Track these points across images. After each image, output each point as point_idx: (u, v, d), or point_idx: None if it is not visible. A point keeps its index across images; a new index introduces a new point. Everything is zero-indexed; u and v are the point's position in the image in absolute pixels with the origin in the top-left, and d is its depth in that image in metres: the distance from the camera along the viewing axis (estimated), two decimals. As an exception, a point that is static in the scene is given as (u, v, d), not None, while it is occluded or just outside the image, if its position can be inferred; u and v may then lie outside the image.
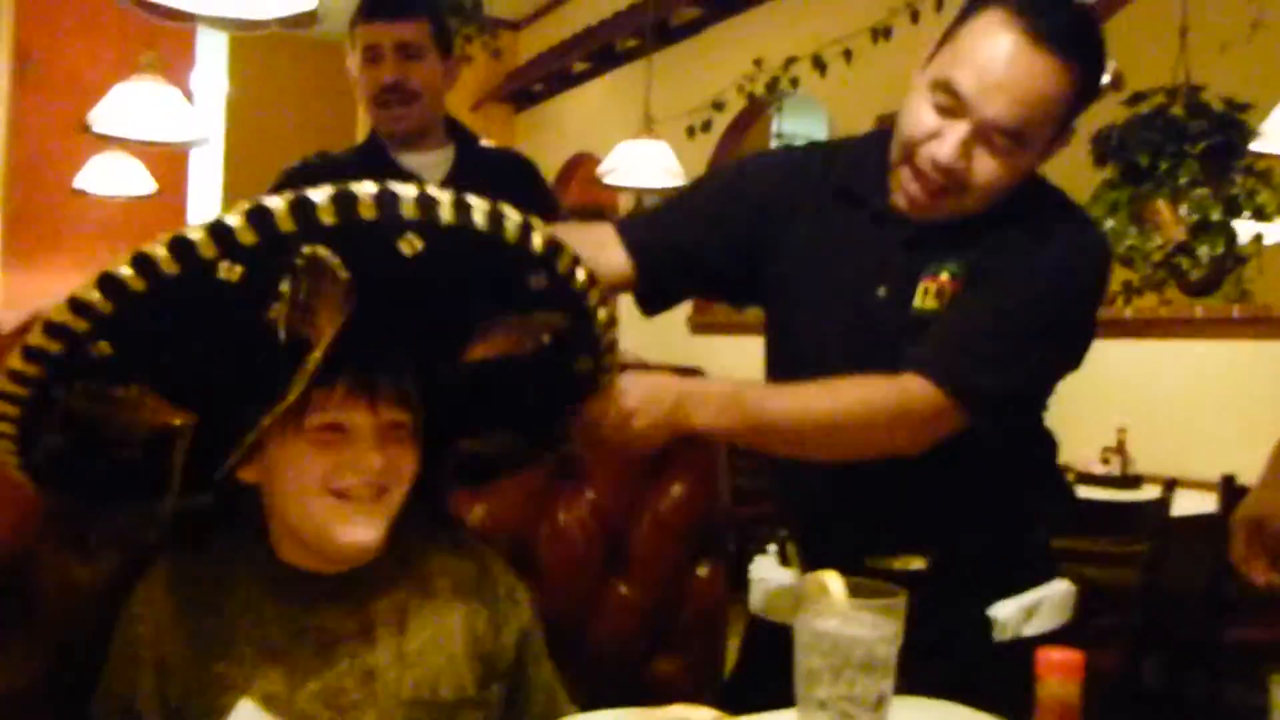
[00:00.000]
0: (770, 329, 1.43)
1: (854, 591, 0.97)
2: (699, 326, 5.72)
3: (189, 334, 0.89)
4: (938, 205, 1.20)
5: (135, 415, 0.92)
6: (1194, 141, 3.74)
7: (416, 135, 2.03)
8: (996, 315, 1.20)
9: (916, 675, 1.04)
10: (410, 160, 2.03)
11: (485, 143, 2.22)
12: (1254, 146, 3.67)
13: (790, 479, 1.42)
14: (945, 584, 1.29)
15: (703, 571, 1.51)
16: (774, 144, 6.33)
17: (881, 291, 1.26)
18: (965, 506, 1.31)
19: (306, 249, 0.83)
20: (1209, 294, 3.95)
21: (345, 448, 0.98)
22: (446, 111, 2.18)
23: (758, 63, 5.20)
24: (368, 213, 0.82)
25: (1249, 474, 2.79)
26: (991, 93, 1.13)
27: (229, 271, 0.82)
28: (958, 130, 1.15)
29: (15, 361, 0.83)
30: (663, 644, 1.47)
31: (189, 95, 5.42)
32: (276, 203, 0.80)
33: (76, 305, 0.80)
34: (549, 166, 7.07)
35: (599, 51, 6.55)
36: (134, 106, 3.92)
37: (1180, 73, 4.16)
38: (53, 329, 0.81)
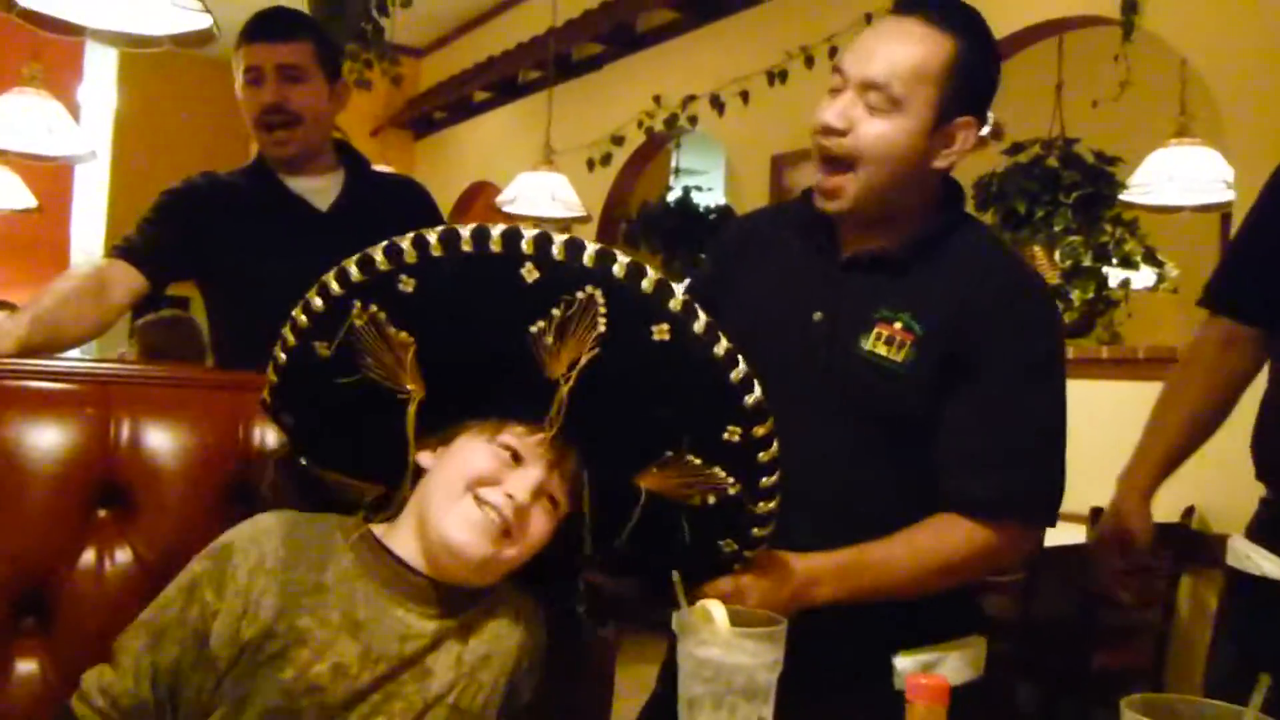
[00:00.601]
0: None
1: (736, 620, 1.00)
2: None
3: (475, 309, 0.99)
4: (843, 193, 1.26)
5: (389, 362, 1.03)
6: (1068, 191, 3.93)
7: (303, 159, 2.00)
8: (1013, 420, 1.26)
9: (818, 708, 1.06)
10: (298, 184, 2.01)
11: (380, 168, 2.21)
12: (1122, 198, 3.87)
13: None
14: (853, 623, 1.26)
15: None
16: (672, 179, 6.41)
17: (817, 316, 1.31)
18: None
19: (590, 288, 0.94)
20: (1082, 336, 4.13)
21: (509, 471, 1.06)
22: (339, 135, 2.16)
23: (657, 99, 5.29)
24: (649, 287, 0.93)
25: (1115, 507, 2.92)
26: (864, 56, 1.24)
27: (530, 273, 0.94)
28: (841, 96, 1.26)
29: (349, 262, 0.98)
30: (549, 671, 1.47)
31: (75, 110, 5.26)
32: (589, 243, 0.93)
33: (419, 240, 0.96)
34: (448, 194, 7.04)
35: (500, 82, 6.57)
36: (15, 119, 3.80)
37: (1056, 126, 4.37)
38: (389, 251, 0.97)
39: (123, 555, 1.21)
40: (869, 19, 4.10)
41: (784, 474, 1.04)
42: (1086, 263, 3.91)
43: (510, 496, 1.05)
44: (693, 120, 5.10)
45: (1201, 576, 3.13)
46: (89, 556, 1.20)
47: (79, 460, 1.20)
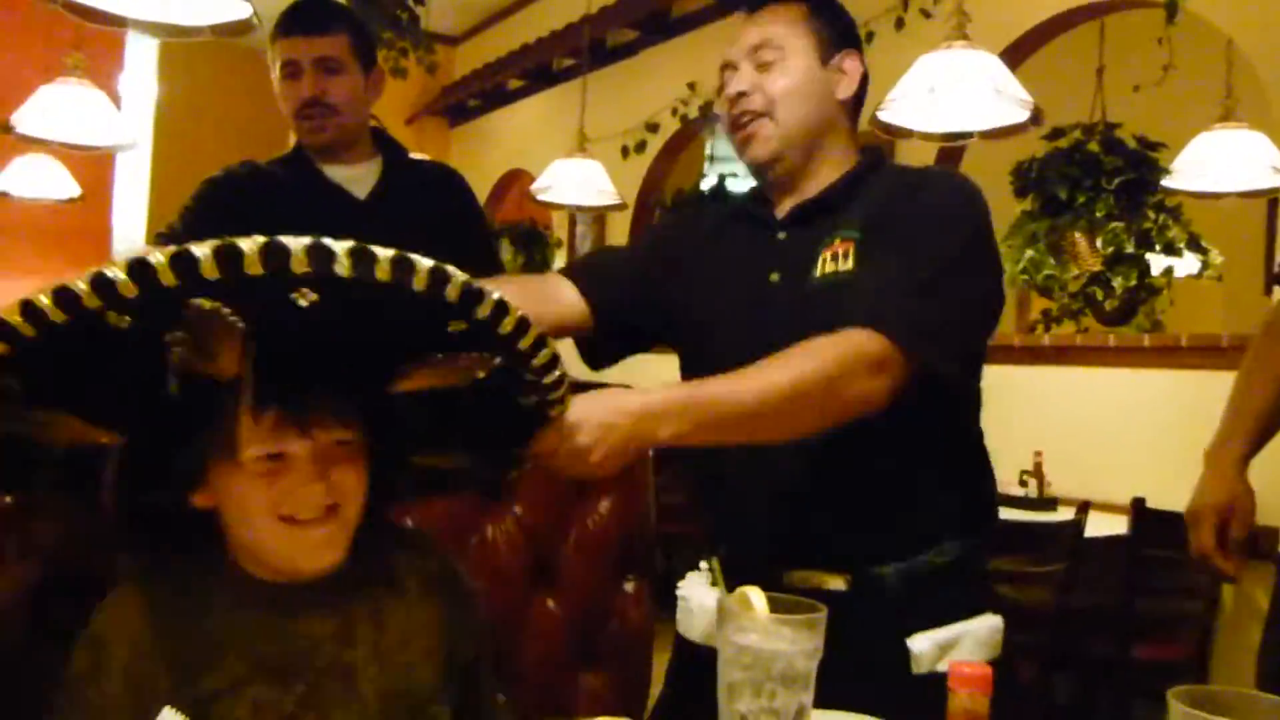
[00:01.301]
0: (682, 354, 1.48)
1: (775, 607, 1.00)
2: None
3: (98, 370, 0.88)
4: (762, 135, 1.39)
5: (60, 435, 0.92)
6: (1110, 177, 3.87)
7: (340, 148, 2.02)
8: (910, 258, 1.27)
9: (836, 695, 1.06)
10: (336, 173, 2.02)
11: (415, 155, 2.22)
12: (1165, 183, 3.81)
13: (715, 490, 1.44)
14: (866, 607, 1.29)
15: (629, 587, 1.53)
16: (708, 166, 6.40)
17: (774, 277, 1.37)
18: (888, 524, 1.33)
19: (193, 301, 0.82)
20: (1123, 324, 4.08)
21: (287, 474, 0.97)
22: (375, 123, 2.17)
23: (692, 86, 5.27)
24: (253, 269, 0.80)
25: (1157, 497, 2.89)
26: (740, 38, 1.43)
27: (119, 320, 0.81)
28: (739, 72, 1.41)
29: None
30: (589, 659, 1.48)
31: (116, 99, 5.32)
32: (157, 258, 0.79)
33: None
34: (483, 182, 7.06)
35: (535, 69, 6.57)
36: (58, 109, 3.85)
37: (1097, 111, 4.31)
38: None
39: None
40: (904, 3, 4.08)
41: (539, 334, 0.96)
42: (1129, 249, 3.85)
43: (307, 500, 0.98)
44: (728, 107, 5.08)
45: (1248, 569, 3.09)
46: None
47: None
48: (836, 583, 1.32)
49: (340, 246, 0.82)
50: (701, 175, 6.09)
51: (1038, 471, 3.56)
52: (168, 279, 0.79)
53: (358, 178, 2.03)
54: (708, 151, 6.42)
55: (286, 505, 0.97)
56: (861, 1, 4.31)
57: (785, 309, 1.34)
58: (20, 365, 0.82)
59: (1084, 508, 2.94)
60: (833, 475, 1.30)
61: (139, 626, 1.00)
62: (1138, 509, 2.96)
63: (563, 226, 6.53)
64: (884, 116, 2.88)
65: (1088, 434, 3.53)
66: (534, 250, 6.79)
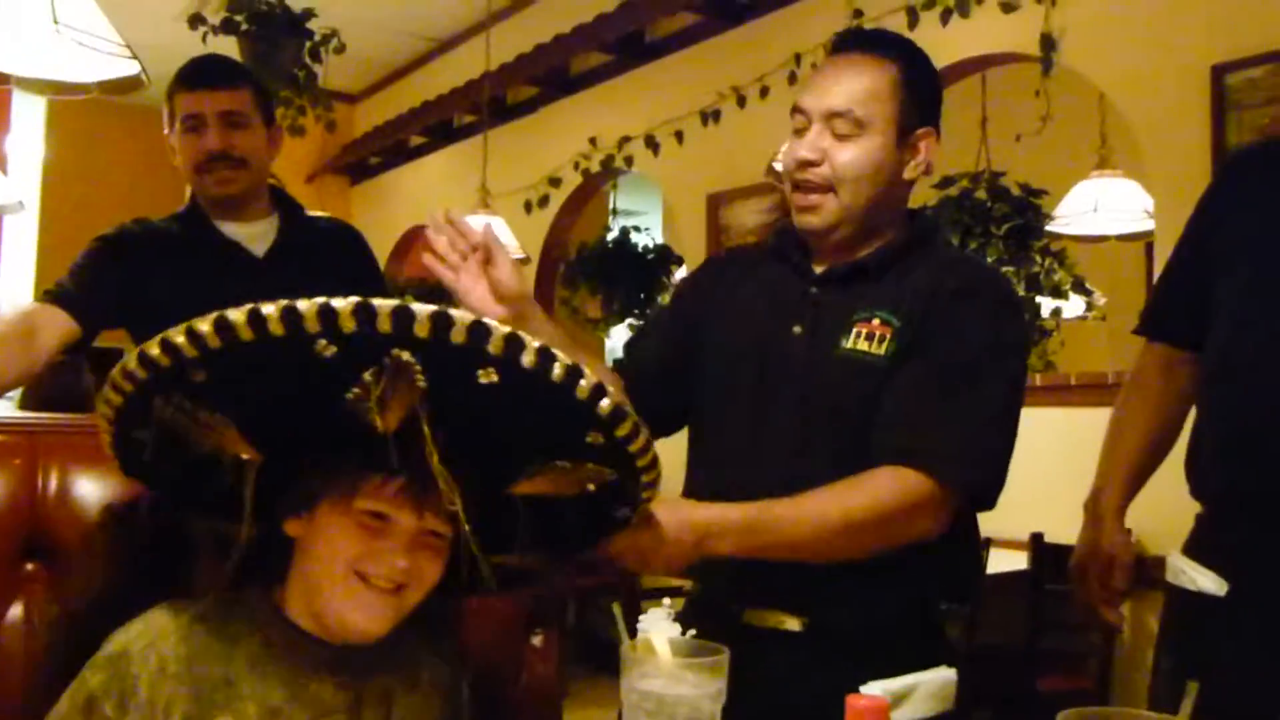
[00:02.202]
0: (695, 404, 1.48)
1: (679, 651, 1.00)
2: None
3: (280, 387, 0.95)
4: (824, 210, 1.34)
5: (212, 439, 0.99)
6: (999, 224, 4.02)
7: (241, 204, 1.99)
8: (962, 393, 1.28)
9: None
10: (233, 230, 1.99)
11: (313, 213, 2.20)
12: (1049, 228, 3.97)
13: None
14: (821, 650, 1.30)
15: (537, 641, 1.51)
16: (611, 220, 6.45)
17: (797, 329, 1.37)
18: (847, 568, 1.30)
19: (396, 351, 0.89)
20: (1017, 365, 4.20)
21: (382, 539, 1.02)
22: (274, 181, 2.15)
23: (593, 141, 5.33)
24: (458, 338, 0.87)
25: (1055, 531, 2.97)
26: (821, 91, 1.35)
27: (325, 349, 0.88)
28: (810, 132, 1.35)
29: (130, 361, 0.91)
30: (495, 715, 1.45)
31: (2, 160, 5.16)
32: (382, 304, 0.87)
33: (191, 333, 0.88)
34: (386, 239, 7.00)
35: (436, 126, 6.57)
36: (-62, 170, 3.72)
37: (982, 160, 4.48)
38: (166, 346, 0.89)
39: (54, 610, 1.17)
40: (797, 60, 4.20)
41: (655, 455, 1.02)
42: (1020, 292, 3.99)
43: (389, 568, 1.02)
44: (629, 161, 5.15)
45: (1142, 599, 3.19)
46: (17, 612, 1.16)
47: (5, 512, 1.17)
48: (792, 623, 1.33)
49: (531, 341, 0.90)
50: (605, 228, 6.14)
51: (941, 511, 3.62)
52: (384, 326, 0.86)
53: (255, 235, 2.01)
54: (611, 205, 6.48)
55: (367, 564, 1.02)
56: (754, 57, 4.44)
57: (801, 365, 1.35)
58: (214, 362, 0.89)
59: (986, 545, 3.00)
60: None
61: (165, 649, 1.01)
62: (1036, 544, 3.03)
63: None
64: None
65: (987, 473, 3.60)
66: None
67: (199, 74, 1.98)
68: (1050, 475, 3.53)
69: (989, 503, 1.33)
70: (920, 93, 1.35)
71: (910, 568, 1.31)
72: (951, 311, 1.31)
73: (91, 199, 6.45)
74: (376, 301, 0.86)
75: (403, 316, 0.86)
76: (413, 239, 7.02)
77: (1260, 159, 1.64)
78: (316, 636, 1.06)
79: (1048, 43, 3.42)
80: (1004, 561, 3.15)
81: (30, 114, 6.47)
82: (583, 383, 0.92)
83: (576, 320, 5.72)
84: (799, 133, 1.36)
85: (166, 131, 2.02)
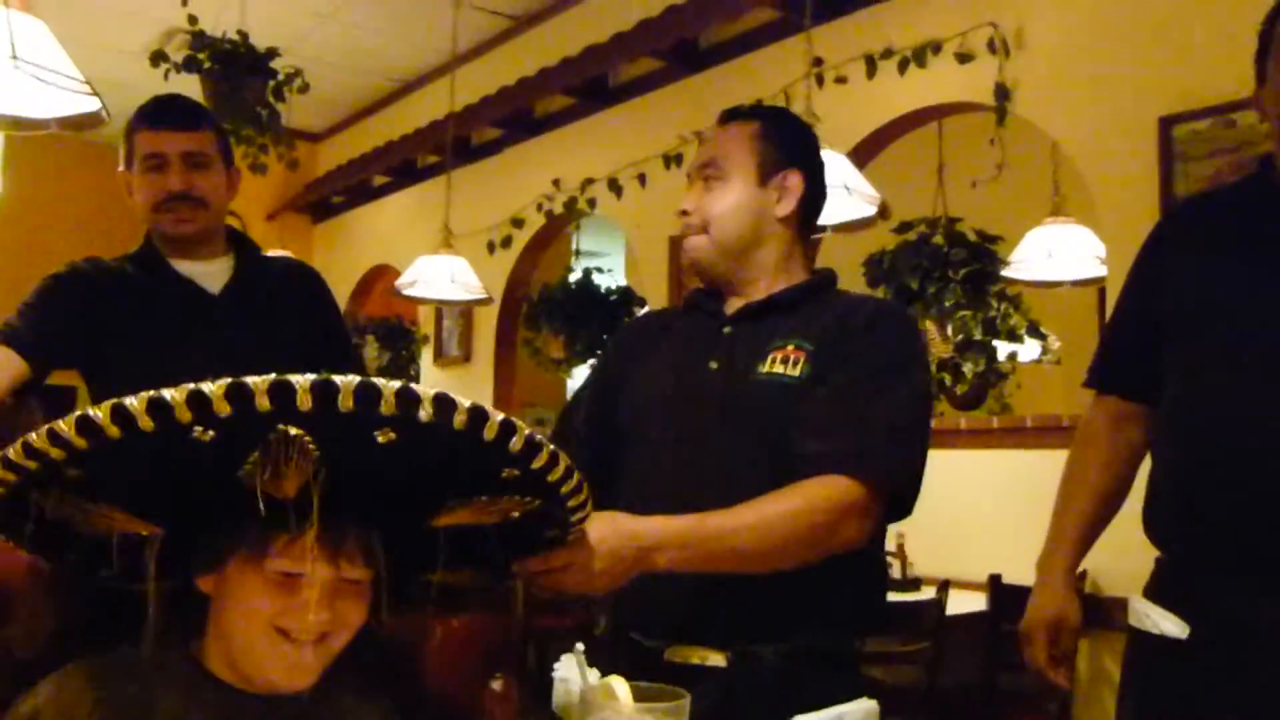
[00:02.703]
0: (620, 437, 1.50)
1: (640, 696, 0.99)
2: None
3: (162, 473, 0.92)
4: (696, 248, 1.49)
5: (104, 524, 0.96)
6: (956, 268, 4.08)
7: (198, 243, 1.98)
8: (879, 401, 1.34)
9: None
10: (187, 268, 1.98)
11: (275, 252, 2.19)
12: (1005, 273, 4.04)
13: None
14: (745, 685, 1.31)
15: (496, 685, 1.49)
16: (574, 261, 6.48)
17: (713, 365, 1.44)
18: (769, 602, 1.33)
19: (281, 427, 0.85)
20: (975, 408, 4.26)
21: (297, 594, 1.00)
22: (234, 220, 2.15)
23: (556, 183, 5.36)
24: (345, 404, 0.83)
25: (1013, 572, 2.99)
26: (698, 155, 1.54)
27: (202, 434, 0.85)
28: (690, 189, 1.52)
29: (11, 452, 0.88)
30: (454, 762, 1.43)
31: (-46, 195, 5.08)
32: (257, 382, 0.82)
33: (54, 436, 0.85)
34: (348, 278, 6.98)
35: (399, 166, 6.58)
36: (-111, 205, 3.66)
37: (939, 205, 4.56)
38: (30, 451, 0.86)
39: (-3, 655, 1.14)
40: (760, 104, 4.26)
41: (581, 480, 1.01)
42: (977, 336, 4.04)
43: (308, 623, 1.00)
44: (591, 203, 5.18)
45: (1099, 639, 3.21)
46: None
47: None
48: (717, 659, 1.34)
49: (426, 393, 0.86)
50: (568, 269, 6.16)
51: (900, 552, 3.65)
52: (263, 405, 0.82)
53: (211, 273, 1.99)
54: (574, 246, 6.50)
55: (287, 620, 1.00)
56: (715, 103, 4.49)
57: (719, 395, 1.41)
58: (86, 459, 0.86)
59: (944, 586, 3.02)
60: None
61: (82, 710, 0.98)
62: (995, 585, 3.05)
63: (429, 322, 6.48)
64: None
65: (945, 514, 3.64)
66: (400, 346, 6.71)
67: (162, 113, 1.97)
68: (1008, 516, 3.57)
69: (907, 506, 1.37)
70: (780, 141, 1.50)
71: (826, 598, 1.35)
72: (861, 335, 1.40)
73: (46, 235, 6.38)
74: (251, 381, 0.82)
75: (282, 392, 0.82)
76: (375, 278, 7.00)
77: (1195, 212, 1.67)
78: (240, 689, 1.04)
79: (1001, 93, 3.50)
80: (963, 603, 3.17)
81: (-14, 149, 6.38)
82: (489, 423, 0.89)
83: (539, 361, 5.71)
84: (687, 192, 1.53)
85: (122, 168, 2.00)
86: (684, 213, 1.50)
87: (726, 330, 1.47)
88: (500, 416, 0.89)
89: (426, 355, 6.50)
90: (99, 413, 0.83)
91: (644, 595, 1.36)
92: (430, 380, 6.43)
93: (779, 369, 1.38)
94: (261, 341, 1.91)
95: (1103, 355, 1.73)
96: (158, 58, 4.08)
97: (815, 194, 1.52)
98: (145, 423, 0.82)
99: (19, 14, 2.05)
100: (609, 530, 1.15)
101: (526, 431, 0.91)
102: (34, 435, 0.85)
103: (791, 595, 1.34)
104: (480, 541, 1.05)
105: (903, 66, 3.77)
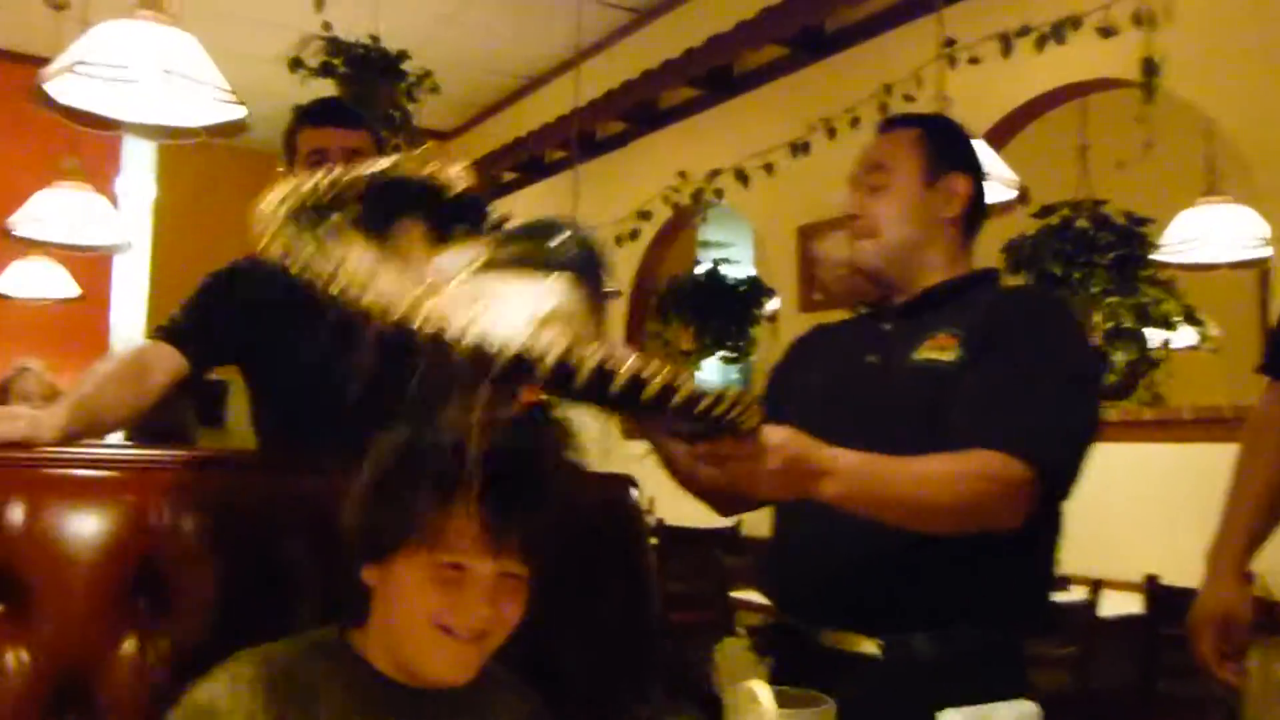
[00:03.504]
0: None
1: (783, 701, 0.97)
2: (630, 431, 5.72)
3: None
4: (866, 253, 1.50)
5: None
6: (1102, 252, 3.90)
7: None
8: (1036, 381, 1.33)
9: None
10: None
11: None
12: (1156, 257, 3.84)
13: (777, 548, 1.49)
14: (898, 675, 1.31)
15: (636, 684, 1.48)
16: (700, 253, 6.45)
17: (872, 359, 1.47)
18: (928, 591, 1.33)
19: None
20: (1125, 398, 4.07)
21: (461, 590, 1.02)
22: None
23: (682, 174, 5.34)
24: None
25: (1171, 573, 2.85)
26: (859, 161, 1.55)
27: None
28: (853, 193, 1.53)
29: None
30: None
31: (114, 200, 5.38)
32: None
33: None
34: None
35: (527, 162, 6.67)
36: (56, 212, 3.88)
37: (1082, 188, 4.37)
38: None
39: (164, 644, 1.19)
40: (887, 90, 4.15)
41: (754, 403, 1.04)
42: (1127, 324, 3.86)
43: (471, 619, 1.02)
44: (718, 194, 5.14)
45: (1270, 644, 3.03)
46: (130, 646, 1.18)
47: (116, 547, 1.19)
48: (869, 647, 1.34)
49: (603, 361, 0.89)
50: (695, 261, 6.14)
51: (1045, 550, 3.51)
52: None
53: None
54: (700, 238, 6.48)
55: (449, 617, 1.02)
56: (843, 89, 4.41)
57: (876, 385, 1.44)
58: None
59: (1096, 586, 2.89)
60: (882, 536, 1.30)
61: (252, 702, 1.01)
62: (1152, 587, 2.91)
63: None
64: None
65: (1095, 510, 3.47)
66: (530, 340, 6.80)
67: (325, 113, 2.05)
68: (1164, 513, 3.40)
69: (1065, 487, 1.34)
70: (942, 144, 1.53)
71: (987, 591, 1.33)
72: (1018, 320, 1.41)
73: (198, 237, 6.68)
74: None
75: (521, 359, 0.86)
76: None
77: None
78: (398, 683, 1.06)
79: (1149, 67, 3.32)
80: (1115, 604, 3.03)
81: (140, 156, 6.73)
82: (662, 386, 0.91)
83: (668, 353, 5.71)
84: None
85: (281, 169, 2.07)
86: (852, 218, 1.52)
87: (886, 327, 1.50)
88: (627, 372, 0.90)
89: (555, 349, 6.58)
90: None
91: (802, 576, 1.40)
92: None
93: (933, 355, 1.39)
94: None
95: (1276, 338, 1.64)
96: (295, 64, 4.22)
97: (979, 195, 1.54)
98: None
99: (171, 29, 2.13)
100: (790, 438, 1.15)
101: (659, 379, 0.92)
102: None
103: (951, 585, 1.32)
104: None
105: (1041, 43, 3.61)
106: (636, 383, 0.91)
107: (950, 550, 1.29)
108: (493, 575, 1.03)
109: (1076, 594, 3.16)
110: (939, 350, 1.39)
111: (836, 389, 1.49)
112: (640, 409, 0.96)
